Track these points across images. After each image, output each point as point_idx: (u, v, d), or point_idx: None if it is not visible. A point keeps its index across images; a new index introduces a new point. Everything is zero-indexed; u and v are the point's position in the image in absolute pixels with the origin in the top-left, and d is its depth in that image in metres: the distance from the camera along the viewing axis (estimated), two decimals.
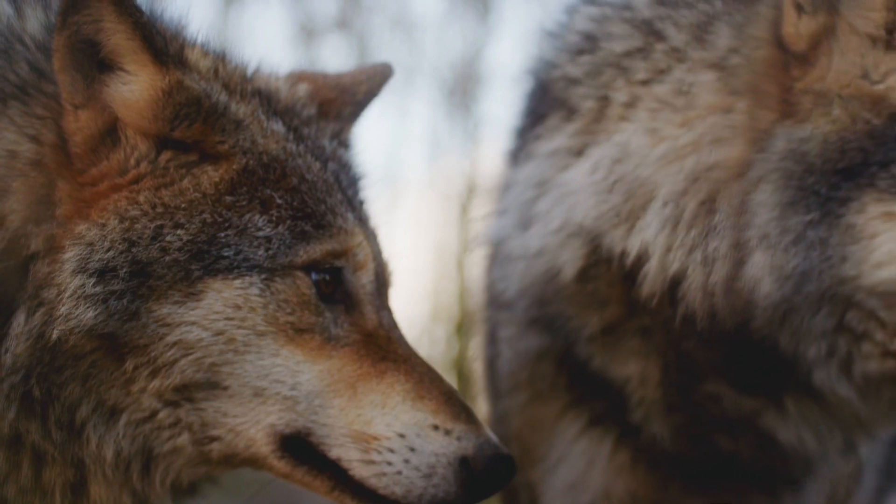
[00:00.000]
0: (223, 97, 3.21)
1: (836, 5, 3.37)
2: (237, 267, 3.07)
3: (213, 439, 3.12)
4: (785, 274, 3.31)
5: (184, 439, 3.12)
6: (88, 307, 2.99)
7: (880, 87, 3.36)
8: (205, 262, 3.05)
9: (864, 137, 3.30)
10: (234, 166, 3.15)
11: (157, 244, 3.03)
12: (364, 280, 3.26)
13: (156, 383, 3.05)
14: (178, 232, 3.05)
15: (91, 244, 3.01)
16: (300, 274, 3.14)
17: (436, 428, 3.10)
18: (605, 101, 3.70)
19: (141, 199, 3.07)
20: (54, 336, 2.98)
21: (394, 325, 3.30)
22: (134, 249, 3.02)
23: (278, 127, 3.30)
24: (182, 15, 3.39)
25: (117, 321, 3.00)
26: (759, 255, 3.33)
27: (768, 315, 3.36)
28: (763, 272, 3.34)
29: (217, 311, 3.04)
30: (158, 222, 3.05)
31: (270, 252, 3.10)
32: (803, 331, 3.36)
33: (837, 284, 3.28)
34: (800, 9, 3.39)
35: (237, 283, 3.06)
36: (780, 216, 3.30)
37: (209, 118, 3.15)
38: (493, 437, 3.17)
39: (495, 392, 3.93)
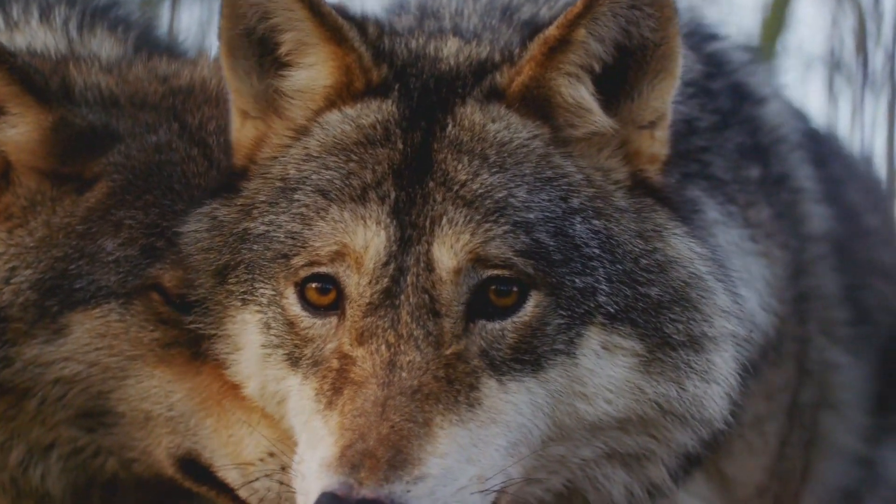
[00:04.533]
0: (105, 119, 3.12)
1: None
2: (94, 296, 3.00)
3: (133, 461, 3.10)
4: None
5: (113, 463, 3.12)
6: None
7: None
8: (59, 296, 3.01)
9: None
10: (96, 193, 3.07)
11: (10, 287, 3.01)
12: None
13: (61, 415, 3.05)
14: (27, 272, 3.01)
15: None
16: (155, 294, 3.02)
17: None
18: None
19: None
20: None
21: None
22: None
23: (161, 135, 3.15)
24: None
25: None
26: None
27: None
28: None
29: (85, 342, 3.00)
30: (12, 264, 3.03)
31: (121, 276, 3.01)
32: None
33: None
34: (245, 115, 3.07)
35: (96, 312, 3.00)
36: None
37: (89, 147, 3.08)
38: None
39: None
